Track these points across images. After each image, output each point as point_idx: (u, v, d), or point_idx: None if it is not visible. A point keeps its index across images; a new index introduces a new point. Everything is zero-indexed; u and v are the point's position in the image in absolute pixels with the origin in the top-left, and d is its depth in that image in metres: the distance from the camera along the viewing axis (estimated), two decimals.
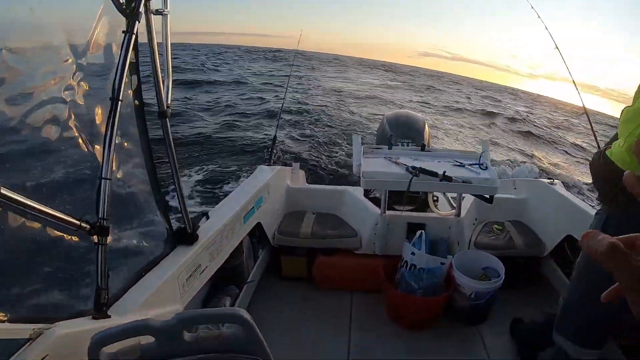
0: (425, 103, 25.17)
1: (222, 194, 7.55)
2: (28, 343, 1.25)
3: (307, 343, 2.63)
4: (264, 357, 1.25)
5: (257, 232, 3.09)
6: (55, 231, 1.40)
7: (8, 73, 1.19)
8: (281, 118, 5.73)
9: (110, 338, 1.17)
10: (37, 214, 1.26)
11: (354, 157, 2.83)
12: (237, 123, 14.01)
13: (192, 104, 17.14)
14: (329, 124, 14.73)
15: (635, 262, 0.43)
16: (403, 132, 3.30)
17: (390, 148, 2.94)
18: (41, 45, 1.31)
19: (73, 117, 1.44)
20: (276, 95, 19.78)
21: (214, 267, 2.31)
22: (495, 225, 3.22)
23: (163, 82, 1.80)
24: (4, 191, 1.12)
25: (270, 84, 24.97)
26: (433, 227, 2.97)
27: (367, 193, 2.68)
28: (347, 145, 11.17)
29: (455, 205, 3.08)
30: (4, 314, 1.22)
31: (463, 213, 3.02)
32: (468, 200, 3.18)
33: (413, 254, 2.65)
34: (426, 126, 3.43)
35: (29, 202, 1.21)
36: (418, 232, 2.78)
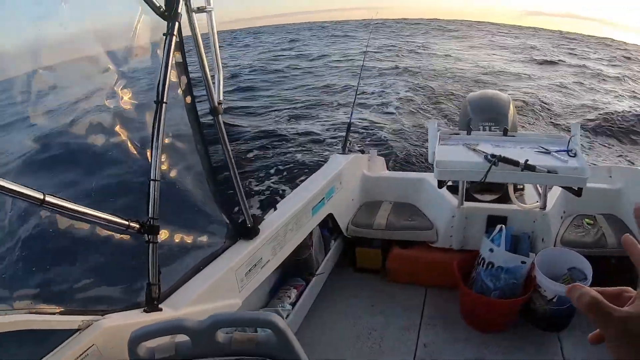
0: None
1: (293, 186, 7.34)
2: (77, 333, 1.35)
3: (374, 338, 2.56)
4: None
5: (330, 223, 3.04)
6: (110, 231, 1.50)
7: (48, 88, 1.26)
8: (356, 103, 5.38)
9: (147, 335, 1.22)
10: (85, 217, 1.34)
11: (429, 145, 2.62)
12: (308, 111, 13.16)
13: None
14: (421, 104, 13.42)
15: (618, 313, 0.46)
16: (485, 115, 2.95)
17: (469, 133, 2.66)
18: (78, 57, 1.36)
19: (118, 122, 1.51)
20: (353, 73, 18.02)
21: (278, 260, 2.31)
22: (585, 219, 2.81)
23: (213, 79, 1.81)
24: (49, 198, 1.20)
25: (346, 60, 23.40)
26: (515, 220, 2.67)
27: (441, 185, 2.48)
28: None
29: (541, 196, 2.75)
30: (57, 307, 1.32)
31: (549, 206, 2.67)
32: (555, 190, 2.81)
33: (491, 250, 2.42)
34: (511, 107, 3.04)
35: (76, 207, 1.29)
36: (498, 227, 2.52)
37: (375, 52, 24.69)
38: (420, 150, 8.64)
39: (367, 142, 9.39)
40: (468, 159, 2.34)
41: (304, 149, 9.39)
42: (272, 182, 7.61)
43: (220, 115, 1.83)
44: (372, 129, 10.47)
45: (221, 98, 1.83)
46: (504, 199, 2.83)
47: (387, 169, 3.73)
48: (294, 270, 2.71)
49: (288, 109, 13.00)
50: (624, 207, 2.86)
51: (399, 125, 10.80)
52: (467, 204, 2.77)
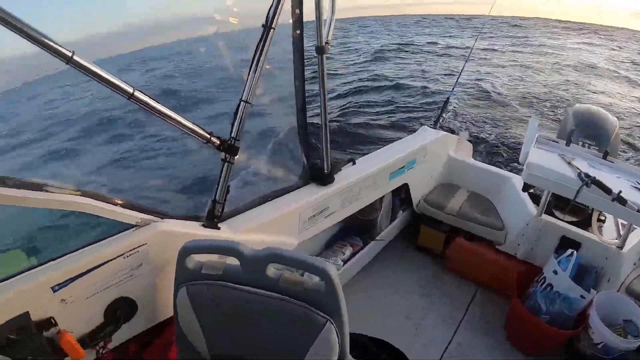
0: None
1: (374, 146, 7.20)
2: (133, 228, 1.41)
3: (413, 318, 2.54)
4: (337, 321, 1.20)
5: (403, 194, 2.99)
6: (191, 141, 1.53)
7: None
8: (459, 83, 5.09)
9: (200, 249, 1.26)
10: (168, 120, 1.38)
11: (524, 143, 2.46)
12: (412, 79, 13.25)
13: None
14: (523, 97, 12.81)
15: None
16: (587, 131, 2.74)
17: (567, 145, 2.49)
18: None
19: (223, 38, 1.51)
20: (462, 54, 18.16)
21: (343, 214, 2.30)
22: None
23: (326, 18, 1.77)
24: (137, 94, 1.25)
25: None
26: (588, 250, 2.49)
27: (526, 188, 2.33)
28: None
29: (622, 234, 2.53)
30: (121, 199, 1.38)
31: (627, 247, 2.45)
32: (638, 234, 2.57)
33: (555, 272, 2.28)
34: (616, 132, 2.80)
35: (162, 108, 1.33)
36: (569, 251, 2.37)
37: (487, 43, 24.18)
38: (509, 148, 8.23)
39: (457, 123, 9.13)
40: (561, 170, 2.16)
41: (394, 114, 9.36)
42: (353, 137, 7.57)
43: (324, 55, 1.79)
44: (465, 112, 10.16)
45: (329, 38, 1.79)
46: (582, 224, 2.64)
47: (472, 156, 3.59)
48: (355, 229, 2.70)
49: (390, 78, 12.97)
50: None
51: (494, 116, 10.39)
52: (545, 217, 2.61)
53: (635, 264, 2.63)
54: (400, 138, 2.96)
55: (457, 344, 2.41)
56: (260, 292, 1.20)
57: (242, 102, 1.55)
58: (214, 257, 1.33)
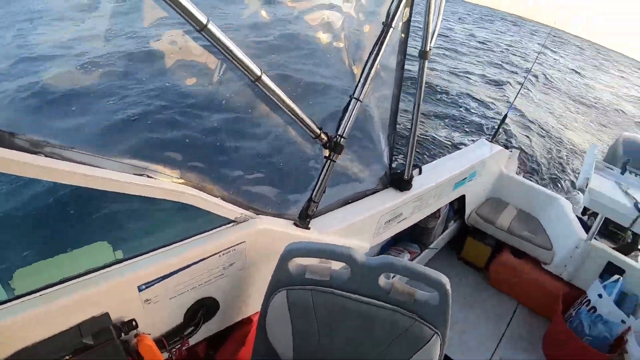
0: None
1: (428, 154, 7.22)
2: (232, 224, 1.32)
3: (456, 330, 2.55)
4: (443, 334, 1.17)
5: (457, 205, 3.00)
6: (292, 133, 1.45)
7: None
8: (516, 100, 5.11)
9: (309, 252, 1.18)
10: (286, 110, 1.29)
11: (583, 168, 2.55)
12: (474, 90, 13.18)
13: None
14: (573, 121, 13.29)
15: None
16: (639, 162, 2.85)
17: (622, 173, 2.59)
18: None
19: (345, 29, 1.45)
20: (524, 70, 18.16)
21: (413, 220, 2.29)
22: None
23: (433, 23, 1.73)
24: (265, 78, 1.16)
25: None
26: (632, 277, 2.55)
27: (585, 212, 2.40)
28: (580, 152, 9.72)
29: None
30: (219, 191, 1.29)
31: None
32: None
33: (600, 296, 2.33)
34: None
35: (283, 96, 1.25)
36: (615, 276, 2.44)
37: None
38: (556, 170, 8.45)
39: (509, 139, 9.26)
40: (618, 198, 2.25)
41: (451, 124, 9.36)
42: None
43: (426, 61, 1.75)
44: (520, 128, 10.34)
45: (432, 45, 1.75)
46: (621, 251, 2.73)
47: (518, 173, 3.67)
48: (409, 235, 2.69)
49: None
50: None
51: (545, 135, 10.66)
52: (594, 242, 2.66)
53: None
54: (455, 147, 2.97)
55: (498, 359, 2.43)
56: (370, 302, 1.16)
57: (353, 99, 1.48)
58: (313, 261, 1.25)
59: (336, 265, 1.18)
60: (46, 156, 0.85)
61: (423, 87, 1.82)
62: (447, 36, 22.37)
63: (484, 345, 2.49)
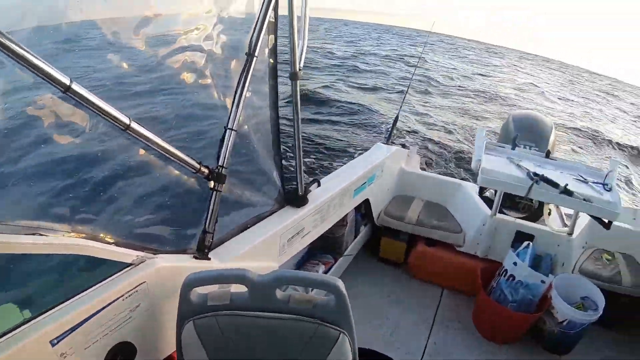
0: None
1: (332, 165, 7.52)
2: (130, 267, 1.35)
3: (387, 326, 2.63)
4: (349, 332, 1.24)
5: (364, 209, 3.10)
6: (176, 172, 1.51)
7: (153, 15, 1.27)
8: (406, 100, 5.44)
9: (205, 280, 1.23)
10: (162, 151, 1.35)
11: (475, 152, 2.68)
12: (360, 96, 13.84)
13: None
14: (461, 112, 14.05)
15: None
16: (529, 135, 3.04)
17: (513, 149, 2.74)
18: None
19: (209, 66, 1.52)
20: (405, 73, 19.15)
21: (317, 233, 2.35)
22: (605, 255, 2.87)
23: (298, 44, 1.81)
24: (134, 125, 1.21)
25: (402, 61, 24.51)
26: (541, 240, 2.75)
27: (482, 192, 2.54)
28: (472, 138, 10.33)
29: (567, 222, 2.82)
30: (112, 237, 1.33)
31: (576, 233, 2.76)
32: (582, 220, 2.88)
33: (515, 264, 2.49)
34: (553, 133, 3.14)
35: (156, 139, 1.30)
36: (525, 243, 2.61)
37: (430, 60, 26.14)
38: (456, 158, 8.84)
39: (406, 138, 9.72)
40: (512, 172, 2.40)
41: (348, 131, 9.77)
42: (314, 157, 7.83)
43: (298, 82, 1.84)
44: (414, 127, 10.81)
45: (301, 65, 1.84)
46: (531, 218, 2.91)
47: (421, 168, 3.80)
48: (322, 246, 2.75)
49: (344, 99, 13.35)
50: None
51: (438, 129, 11.18)
52: (499, 216, 2.83)
53: (583, 247, 2.93)
54: (353, 155, 3.09)
55: (433, 344, 2.54)
56: (272, 316, 1.21)
57: (228, 130, 1.55)
58: (213, 288, 1.31)
59: (238, 289, 1.23)
60: None
61: (299, 107, 1.90)
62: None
63: (417, 335, 2.60)
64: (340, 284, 1.20)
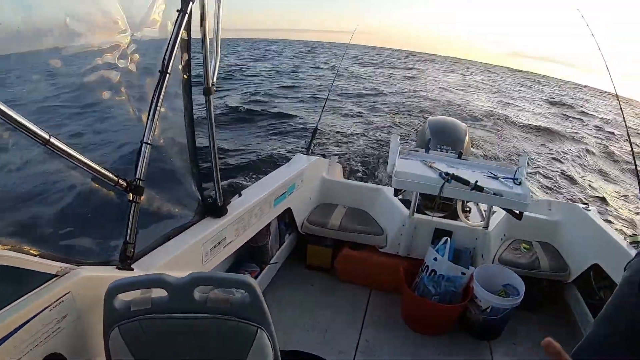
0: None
1: (255, 176, 7.70)
2: (55, 278, 1.38)
3: (319, 329, 2.72)
4: (267, 327, 1.32)
5: (287, 218, 3.20)
6: (96, 185, 1.56)
7: (68, 35, 1.34)
8: (325, 109, 5.68)
9: (126, 286, 1.29)
10: (81, 165, 1.40)
11: (389, 157, 2.85)
12: (281, 106, 14.39)
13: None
14: (379, 119, 14.56)
15: None
16: (443, 139, 3.27)
17: (427, 152, 2.95)
18: (101, 14, 1.44)
19: (124, 83, 1.59)
20: (322, 84, 19.85)
21: (239, 242, 2.42)
22: (523, 244, 3.15)
23: (211, 61, 1.92)
24: (53, 140, 1.26)
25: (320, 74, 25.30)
26: (460, 236, 2.95)
27: (397, 193, 2.71)
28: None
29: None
30: (36, 250, 1.36)
31: (492, 226, 2.98)
32: (499, 214, 3.13)
33: (435, 259, 2.66)
34: (467, 135, 3.40)
35: (75, 153, 1.36)
36: (443, 239, 2.79)
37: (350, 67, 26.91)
38: (375, 163, 9.26)
39: (328, 148, 10.05)
40: (424, 173, 2.59)
41: (271, 144, 10.04)
42: (238, 170, 8.06)
43: (211, 96, 1.95)
44: (334, 137, 11.20)
45: (214, 80, 1.94)
46: (451, 217, 3.12)
47: (343, 176, 3.96)
48: (248, 256, 2.83)
49: (265, 108, 13.95)
50: (559, 237, 3.23)
51: (358, 138, 11.54)
52: (417, 216, 3.02)
53: (502, 239, 3.19)
54: (277, 165, 3.20)
55: (365, 341, 2.66)
56: (192, 316, 1.27)
57: (143, 144, 1.62)
58: (136, 295, 1.35)
59: (158, 294, 1.28)
60: None
61: (213, 121, 2.01)
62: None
63: (348, 334, 2.71)
64: (252, 281, 1.28)
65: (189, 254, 1.96)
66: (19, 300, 1.27)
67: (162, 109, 1.68)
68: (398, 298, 2.92)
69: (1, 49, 1.28)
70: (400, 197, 3.04)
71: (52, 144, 1.27)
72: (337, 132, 11.89)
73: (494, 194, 2.46)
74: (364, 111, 15.84)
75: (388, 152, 2.88)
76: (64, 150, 1.32)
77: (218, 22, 1.90)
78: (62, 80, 1.42)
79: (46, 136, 1.24)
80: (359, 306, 2.97)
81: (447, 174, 2.53)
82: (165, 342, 1.31)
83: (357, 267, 3.14)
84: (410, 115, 15.57)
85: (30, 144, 1.26)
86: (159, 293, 1.28)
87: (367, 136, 11.85)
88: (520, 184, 2.62)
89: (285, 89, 19.12)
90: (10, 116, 1.14)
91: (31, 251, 1.34)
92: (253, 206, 2.47)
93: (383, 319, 2.87)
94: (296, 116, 13.36)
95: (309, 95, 17.68)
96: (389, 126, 13.58)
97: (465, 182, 2.49)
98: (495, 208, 3.01)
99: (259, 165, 8.41)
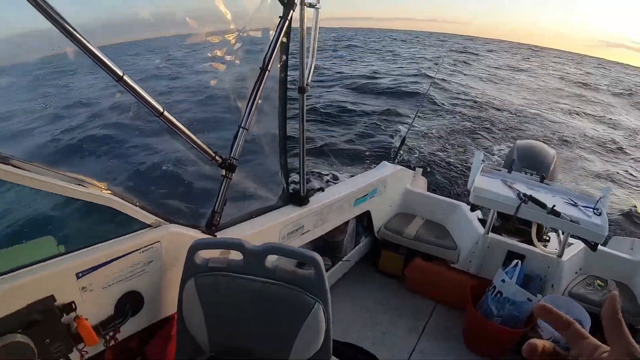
0: None
1: (340, 172, 7.62)
2: (149, 228, 1.64)
3: (378, 330, 2.80)
4: (325, 304, 1.45)
5: (365, 221, 3.32)
6: (195, 158, 1.82)
7: (186, 30, 1.62)
8: (415, 122, 5.52)
9: (208, 244, 1.51)
10: (186, 138, 1.66)
11: (471, 172, 2.89)
12: (375, 117, 13.54)
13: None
14: (477, 132, 13.30)
15: None
16: (529, 162, 3.19)
17: (509, 172, 2.91)
18: (214, 16, 1.72)
19: (229, 74, 1.85)
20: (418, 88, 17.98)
21: (316, 233, 2.58)
22: (597, 281, 2.94)
23: (306, 63, 2.13)
24: (166, 114, 1.53)
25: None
26: (532, 261, 2.86)
27: (473, 208, 2.71)
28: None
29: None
30: (139, 201, 1.61)
31: (566, 256, 2.85)
32: (577, 246, 2.98)
33: (503, 281, 2.62)
34: (554, 162, 3.29)
35: (182, 127, 1.62)
36: (514, 262, 2.73)
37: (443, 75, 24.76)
38: (459, 180, 8.87)
39: (415, 159, 9.76)
40: (503, 192, 2.58)
41: (361, 148, 9.94)
42: (325, 168, 8.06)
43: (304, 95, 2.16)
44: (422, 149, 10.79)
45: (309, 81, 2.15)
46: (526, 243, 3.04)
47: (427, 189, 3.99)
48: (323, 249, 2.97)
49: (358, 115, 13.46)
50: (639, 279, 2.98)
51: (446, 151, 11.06)
52: (491, 235, 2.98)
53: (576, 272, 3.02)
54: (363, 169, 3.33)
55: (420, 351, 2.68)
56: (260, 279, 1.45)
57: (240, 128, 1.87)
58: (215, 254, 1.57)
59: (235, 257, 1.48)
60: (14, 166, 1.18)
61: (304, 118, 2.21)
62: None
63: (405, 341, 2.75)
64: (319, 259, 1.42)
65: (268, 233, 2.15)
66: (118, 238, 1.53)
67: (259, 101, 1.92)
68: (461, 316, 2.91)
69: (130, 35, 1.58)
70: (480, 216, 3.02)
71: (165, 117, 1.53)
72: (426, 143, 11.31)
73: (571, 220, 2.39)
74: (463, 123, 14.21)
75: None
76: (173, 123, 1.58)
77: (316, 30, 2.12)
78: (176, 70, 1.71)
79: (160, 109, 1.50)
80: (421, 316, 3.00)
81: (525, 195, 2.51)
82: (232, 299, 1.49)
83: (426, 278, 3.16)
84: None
85: (147, 114, 1.53)
86: (236, 257, 1.47)
87: (458, 149, 11.21)
88: (600, 214, 2.51)
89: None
90: (138, 91, 1.41)
91: (134, 201, 1.60)
92: (333, 202, 2.62)
93: (442, 333, 2.87)
94: (384, 121, 12.82)
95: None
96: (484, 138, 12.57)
97: (543, 205, 2.44)
98: (573, 240, 2.89)
99: (346, 162, 8.53)
